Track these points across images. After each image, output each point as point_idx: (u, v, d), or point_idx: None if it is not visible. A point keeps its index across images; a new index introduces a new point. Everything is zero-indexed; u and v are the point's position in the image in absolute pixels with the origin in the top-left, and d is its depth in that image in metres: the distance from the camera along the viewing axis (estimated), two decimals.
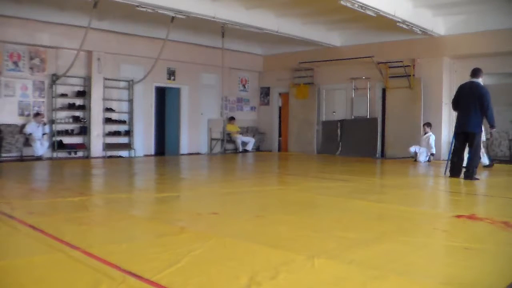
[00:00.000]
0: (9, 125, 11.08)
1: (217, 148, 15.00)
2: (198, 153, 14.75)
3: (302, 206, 5.38)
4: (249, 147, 15.21)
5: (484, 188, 7.36)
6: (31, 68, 11.50)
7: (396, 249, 3.38)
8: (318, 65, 14.58)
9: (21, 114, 11.37)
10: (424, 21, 11.24)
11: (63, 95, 12.03)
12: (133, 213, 5.01)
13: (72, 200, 5.41)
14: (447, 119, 12.27)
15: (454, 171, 7.93)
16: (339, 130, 14.24)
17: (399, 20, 10.46)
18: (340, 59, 13.71)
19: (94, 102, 12.36)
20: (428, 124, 11.70)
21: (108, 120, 12.72)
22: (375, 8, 9.57)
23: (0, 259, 2.98)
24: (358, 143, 13.63)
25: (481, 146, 9.27)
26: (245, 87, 16.44)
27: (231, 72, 15.47)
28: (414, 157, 11.72)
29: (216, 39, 12.72)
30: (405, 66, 12.53)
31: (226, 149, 14.96)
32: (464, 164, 7.96)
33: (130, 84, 13.10)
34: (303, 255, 3.09)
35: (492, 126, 7.92)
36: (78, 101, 12.34)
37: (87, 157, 12.29)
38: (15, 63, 11.26)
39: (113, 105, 12.89)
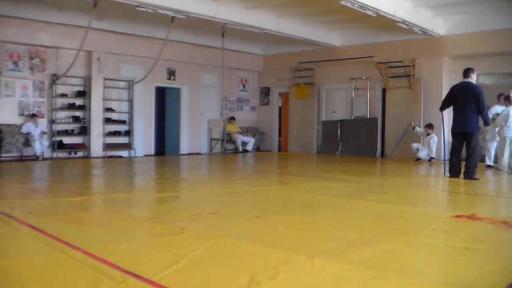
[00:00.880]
0: (9, 125, 11.08)
1: (217, 148, 15.00)
2: (198, 153, 14.75)
3: (302, 206, 5.38)
4: (249, 147, 15.21)
5: (484, 188, 7.35)
6: (31, 68, 11.50)
7: (396, 249, 3.38)
8: (318, 65, 14.58)
9: (21, 114, 11.37)
10: (424, 21, 11.24)
11: (63, 95, 12.03)
12: (133, 213, 5.01)
13: (72, 200, 5.41)
14: (447, 119, 12.23)
15: (453, 171, 7.94)
16: (339, 130, 14.24)
17: (399, 20, 10.46)
18: (340, 59, 13.71)
19: (94, 102, 12.36)
20: (430, 126, 11.70)
21: (108, 120, 12.72)
22: (375, 8, 9.57)
23: (0, 259, 2.98)
24: (358, 143, 13.63)
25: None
26: (245, 87, 16.44)
27: (231, 72, 15.47)
28: (416, 157, 11.76)
29: (216, 39, 12.72)
30: (405, 66, 12.53)
31: (226, 149, 14.96)
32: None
33: (130, 84, 13.10)
34: (303, 255, 3.09)
35: (486, 124, 8.01)
36: (78, 101, 12.34)
37: (87, 157, 12.29)
38: (15, 63, 11.26)
39: (113, 105, 12.89)
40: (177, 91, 14.53)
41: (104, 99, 12.59)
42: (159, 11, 9.77)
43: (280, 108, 16.51)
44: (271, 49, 15.74)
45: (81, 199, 5.50)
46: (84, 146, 12.40)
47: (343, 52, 13.78)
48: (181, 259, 2.96)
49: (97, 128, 12.44)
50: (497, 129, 9.77)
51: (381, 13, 9.85)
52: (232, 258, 3.08)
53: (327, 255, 3.14)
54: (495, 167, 9.87)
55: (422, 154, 11.68)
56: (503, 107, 9.93)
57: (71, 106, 12.18)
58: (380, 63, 12.91)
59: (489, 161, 10.15)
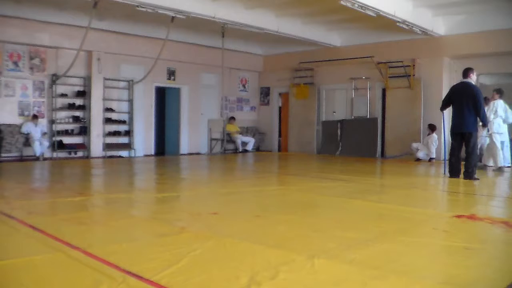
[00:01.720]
0: (9, 125, 11.08)
1: (217, 148, 15.00)
2: (198, 153, 14.75)
3: (302, 206, 5.38)
4: (249, 147, 15.21)
5: (484, 188, 7.35)
6: (31, 68, 11.50)
7: (396, 249, 3.38)
8: (318, 65, 14.58)
9: (21, 114, 11.37)
10: (424, 21, 11.24)
11: (63, 95, 12.03)
12: (133, 213, 5.01)
13: (72, 200, 5.42)
14: (447, 119, 12.23)
15: (453, 171, 7.95)
16: (339, 130, 14.24)
17: (399, 20, 10.46)
18: (340, 59, 13.71)
19: (94, 102, 12.36)
20: (431, 126, 11.70)
21: (108, 120, 12.72)
22: (375, 8, 9.57)
23: (0, 259, 2.98)
24: (358, 143, 13.63)
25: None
26: (245, 87, 16.44)
27: (231, 72, 15.47)
28: (416, 157, 11.77)
29: (216, 39, 12.72)
30: (405, 66, 12.54)
31: (226, 149, 14.96)
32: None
33: (130, 84, 13.10)
34: (303, 255, 3.09)
35: (484, 124, 8.02)
36: (78, 101, 12.34)
37: (87, 157, 12.29)
38: (15, 63, 11.26)
39: (113, 105, 12.89)
40: (177, 91, 14.54)
41: (104, 99, 12.59)
42: (159, 11, 9.77)
43: (280, 108, 16.50)
44: (271, 49, 15.74)
45: (81, 199, 5.50)
46: (84, 146, 12.40)
47: (343, 52, 13.78)
48: (181, 259, 2.96)
49: (97, 128, 12.43)
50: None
51: (381, 13, 9.85)
52: (232, 258, 3.09)
53: (327, 255, 3.14)
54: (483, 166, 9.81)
55: (421, 154, 11.70)
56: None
57: (71, 106, 12.18)
58: (380, 63, 12.91)
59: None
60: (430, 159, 11.58)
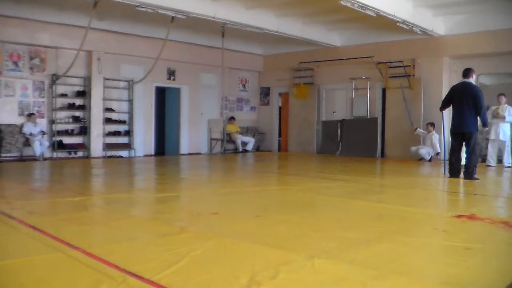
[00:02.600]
0: (9, 125, 11.08)
1: (217, 148, 15.00)
2: (198, 153, 14.75)
3: (302, 206, 5.38)
4: (249, 147, 15.21)
5: (484, 188, 7.35)
6: (31, 68, 11.50)
7: (396, 249, 3.38)
8: (318, 65, 14.58)
9: (21, 114, 11.37)
10: (424, 21, 11.24)
11: (63, 95, 12.03)
12: (133, 213, 5.01)
13: (72, 200, 5.41)
14: (447, 119, 12.24)
15: (453, 171, 7.94)
16: (339, 130, 14.24)
17: (399, 20, 10.46)
18: (340, 59, 13.71)
19: (94, 102, 12.36)
20: (431, 124, 11.71)
21: (108, 120, 12.72)
22: (375, 8, 9.57)
23: (0, 259, 2.98)
24: (358, 143, 13.63)
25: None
26: (245, 87, 16.44)
27: (231, 72, 15.47)
28: (419, 157, 11.77)
29: (216, 39, 12.72)
30: (405, 66, 12.53)
31: (226, 149, 14.96)
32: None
33: (130, 84, 13.11)
34: (303, 255, 3.09)
35: (484, 125, 8.03)
36: (78, 101, 12.34)
37: (87, 157, 12.29)
38: (15, 63, 11.26)
39: (113, 105, 12.89)
40: (177, 91, 14.53)
41: (104, 99, 12.59)
42: (159, 11, 9.77)
43: (280, 108, 16.51)
44: (271, 49, 15.74)
45: (81, 199, 5.50)
46: (84, 146, 12.40)
47: (343, 52, 13.78)
48: (181, 259, 2.96)
49: (97, 128, 12.44)
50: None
51: (381, 13, 9.85)
52: (232, 258, 3.09)
53: (327, 255, 3.14)
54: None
55: (424, 151, 11.68)
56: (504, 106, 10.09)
57: (71, 106, 12.18)
58: (380, 63, 12.91)
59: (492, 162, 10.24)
60: (437, 154, 11.51)
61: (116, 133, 12.92)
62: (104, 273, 2.69)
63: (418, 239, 3.76)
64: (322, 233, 3.89)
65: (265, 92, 16.63)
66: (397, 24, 10.72)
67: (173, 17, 10.29)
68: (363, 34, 13.11)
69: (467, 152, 7.82)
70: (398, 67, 12.66)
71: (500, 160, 10.46)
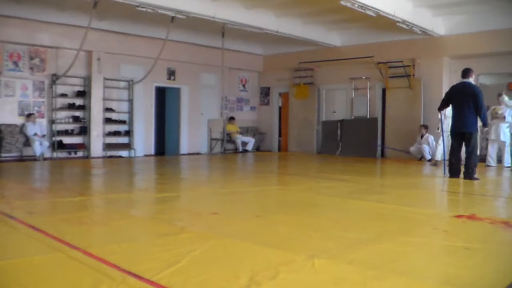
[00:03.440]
0: (9, 125, 11.08)
1: (217, 148, 15.00)
2: (198, 153, 14.75)
3: (302, 206, 5.38)
4: (249, 147, 15.21)
5: (484, 188, 7.35)
6: (31, 68, 11.50)
7: (396, 249, 3.38)
8: (318, 65, 14.58)
9: (21, 114, 11.36)
10: (424, 21, 11.24)
11: (63, 95, 12.03)
12: (133, 213, 5.01)
13: (72, 200, 5.42)
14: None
15: (453, 171, 7.94)
16: (339, 130, 14.24)
17: (399, 20, 10.45)
18: (340, 59, 13.71)
19: (94, 102, 12.36)
20: (425, 126, 11.73)
21: (108, 120, 12.72)
22: (375, 8, 9.57)
23: (0, 259, 2.98)
24: (358, 143, 13.63)
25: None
26: (245, 87, 16.44)
27: (231, 72, 15.47)
28: (420, 156, 11.75)
29: (216, 39, 12.72)
30: (405, 66, 12.54)
31: (226, 149, 14.96)
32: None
33: (130, 84, 13.10)
34: (303, 255, 3.09)
35: (485, 125, 8.04)
36: (78, 101, 12.33)
37: (87, 157, 12.29)
38: (15, 63, 11.26)
39: (113, 105, 12.89)
40: (177, 91, 14.53)
41: (104, 99, 12.59)
42: (159, 11, 9.77)
43: (280, 108, 16.50)
44: (271, 49, 15.74)
45: (81, 199, 5.50)
46: (84, 146, 12.40)
47: (343, 52, 13.77)
48: (181, 259, 2.96)
49: (97, 128, 12.44)
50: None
51: (381, 13, 9.85)
52: (232, 258, 3.09)
53: (327, 255, 3.14)
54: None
55: (427, 148, 11.69)
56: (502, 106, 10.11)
57: (71, 106, 12.18)
58: (380, 63, 12.91)
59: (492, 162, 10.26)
60: (429, 160, 11.50)
61: (116, 133, 12.92)
62: (104, 273, 2.69)
63: (418, 239, 3.76)
64: (322, 233, 3.89)
65: (265, 92, 16.63)
66: (397, 24, 10.72)
67: (173, 17, 10.29)
68: (363, 34, 13.10)
69: (466, 152, 7.82)
70: (398, 67, 12.66)
71: (500, 160, 10.47)
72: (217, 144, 14.97)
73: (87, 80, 12.36)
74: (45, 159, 11.35)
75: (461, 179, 7.75)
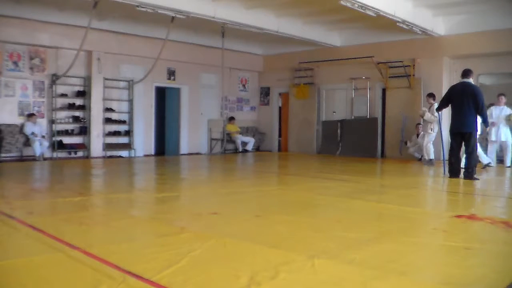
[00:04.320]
0: (9, 125, 11.07)
1: (217, 148, 15.00)
2: (198, 153, 14.75)
3: (302, 206, 5.38)
4: (249, 147, 15.21)
5: (484, 188, 7.35)
6: (31, 68, 11.50)
7: (396, 249, 3.38)
8: (318, 65, 14.58)
9: (21, 114, 11.36)
10: (424, 21, 11.23)
11: (63, 95, 12.03)
12: (133, 213, 5.01)
13: (72, 200, 5.41)
14: (447, 119, 12.25)
15: (453, 171, 7.95)
16: (339, 130, 14.24)
17: (399, 20, 10.45)
18: (340, 59, 13.70)
19: (94, 102, 12.36)
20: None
21: (108, 120, 12.72)
22: (375, 8, 9.57)
23: (0, 259, 2.98)
24: (358, 143, 13.63)
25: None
26: (245, 87, 16.44)
27: (231, 72, 15.47)
28: (420, 156, 11.72)
29: (216, 39, 12.72)
30: (405, 66, 12.54)
31: (226, 149, 14.96)
32: (463, 164, 8.03)
33: (130, 84, 13.10)
34: (303, 255, 3.09)
35: (485, 124, 8.07)
36: (78, 101, 12.33)
37: (87, 157, 12.29)
38: (15, 63, 11.26)
39: (113, 105, 12.88)
40: (177, 91, 14.53)
41: (104, 99, 12.59)
42: (159, 11, 9.77)
43: (280, 108, 16.50)
44: (271, 49, 15.74)
45: (81, 199, 5.50)
46: (84, 146, 12.40)
47: (343, 52, 13.77)
48: (181, 259, 2.96)
49: (97, 128, 12.43)
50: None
51: (381, 13, 9.85)
52: (232, 258, 3.09)
53: (327, 255, 3.14)
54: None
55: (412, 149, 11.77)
56: (502, 107, 10.10)
57: (71, 106, 12.17)
58: (380, 63, 12.90)
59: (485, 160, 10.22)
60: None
61: (116, 133, 12.92)
62: (104, 273, 2.69)
63: (418, 239, 3.76)
64: (322, 233, 3.89)
65: (265, 92, 16.63)
66: (397, 24, 10.72)
67: (173, 17, 10.29)
68: (363, 34, 13.10)
69: (466, 152, 7.83)
70: (398, 67, 12.66)
71: (501, 160, 10.47)
72: (217, 144, 14.98)
73: (87, 80, 12.35)
74: (45, 159, 11.34)
75: (461, 179, 7.75)
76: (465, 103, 7.71)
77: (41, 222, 4.06)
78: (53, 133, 11.76)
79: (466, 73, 8.00)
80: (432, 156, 10.53)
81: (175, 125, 14.60)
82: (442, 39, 12.03)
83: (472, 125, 7.74)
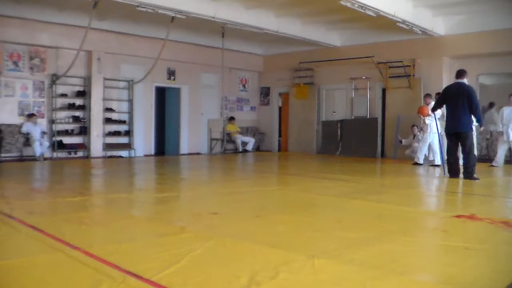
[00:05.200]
0: (9, 125, 11.08)
1: (217, 148, 15.00)
2: (198, 153, 14.75)
3: (302, 206, 5.38)
4: (249, 147, 15.21)
5: (483, 188, 7.34)
6: (31, 68, 11.50)
7: (396, 249, 3.38)
8: (318, 65, 14.58)
9: (21, 114, 11.36)
10: (424, 21, 11.24)
11: (63, 95, 12.03)
12: (133, 213, 5.01)
13: (72, 200, 5.42)
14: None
15: (452, 171, 7.95)
16: (339, 130, 14.24)
17: (399, 20, 10.45)
18: (340, 59, 13.71)
19: (94, 102, 12.36)
20: (416, 126, 11.74)
21: (108, 120, 12.72)
22: (375, 8, 9.57)
23: (0, 259, 2.98)
24: (358, 143, 13.63)
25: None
26: (245, 87, 16.44)
27: (231, 72, 15.47)
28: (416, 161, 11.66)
29: (216, 39, 12.72)
30: (405, 66, 12.54)
31: (226, 149, 14.96)
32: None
33: (130, 84, 13.10)
34: (303, 255, 3.09)
35: (480, 123, 8.08)
36: (78, 101, 12.33)
37: (87, 157, 12.29)
38: (15, 63, 11.26)
39: (113, 105, 12.89)
40: (177, 91, 14.53)
41: (104, 99, 12.59)
42: (159, 11, 9.77)
43: (280, 108, 16.50)
44: (271, 49, 15.74)
45: (81, 199, 5.50)
46: (84, 146, 12.40)
47: (343, 52, 13.77)
48: (181, 259, 2.96)
49: (97, 128, 12.43)
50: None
51: (381, 13, 9.85)
52: (232, 258, 3.09)
53: (327, 255, 3.14)
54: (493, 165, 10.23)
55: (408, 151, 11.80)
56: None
57: (71, 106, 12.18)
58: (380, 63, 12.91)
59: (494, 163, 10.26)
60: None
61: (116, 133, 12.92)
62: (104, 273, 2.69)
63: (418, 239, 3.76)
64: (322, 233, 3.89)
65: (265, 92, 16.63)
66: (397, 24, 10.72)
67: (173, 17, 10.29)
68: (363, 34, 13.10)
69: (463, 153, 7.84)
70: (398, 67, 12.66)
71: (508, 161, 10.51)
72: (217, 144, 14.97)
73: (87, 80, 12.36)
74: (45, 159, 11.34)
75: (460, 179, 7.75)
76: (460, 103, 7.73)
77: (41, 222, 4.06)
78: (53, 133, 11.76)
79: (461, 73, 8.04)
80: (438, 162, 10.07)
81: (175, 125, 14.60)
82: (442, 39, 12.03)
83: (467, 125, 7.76)
